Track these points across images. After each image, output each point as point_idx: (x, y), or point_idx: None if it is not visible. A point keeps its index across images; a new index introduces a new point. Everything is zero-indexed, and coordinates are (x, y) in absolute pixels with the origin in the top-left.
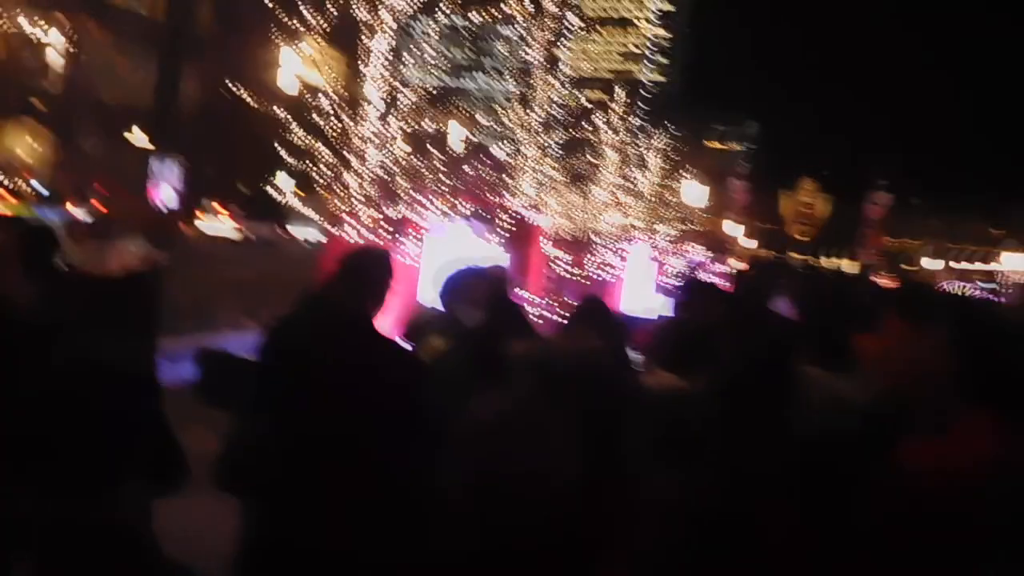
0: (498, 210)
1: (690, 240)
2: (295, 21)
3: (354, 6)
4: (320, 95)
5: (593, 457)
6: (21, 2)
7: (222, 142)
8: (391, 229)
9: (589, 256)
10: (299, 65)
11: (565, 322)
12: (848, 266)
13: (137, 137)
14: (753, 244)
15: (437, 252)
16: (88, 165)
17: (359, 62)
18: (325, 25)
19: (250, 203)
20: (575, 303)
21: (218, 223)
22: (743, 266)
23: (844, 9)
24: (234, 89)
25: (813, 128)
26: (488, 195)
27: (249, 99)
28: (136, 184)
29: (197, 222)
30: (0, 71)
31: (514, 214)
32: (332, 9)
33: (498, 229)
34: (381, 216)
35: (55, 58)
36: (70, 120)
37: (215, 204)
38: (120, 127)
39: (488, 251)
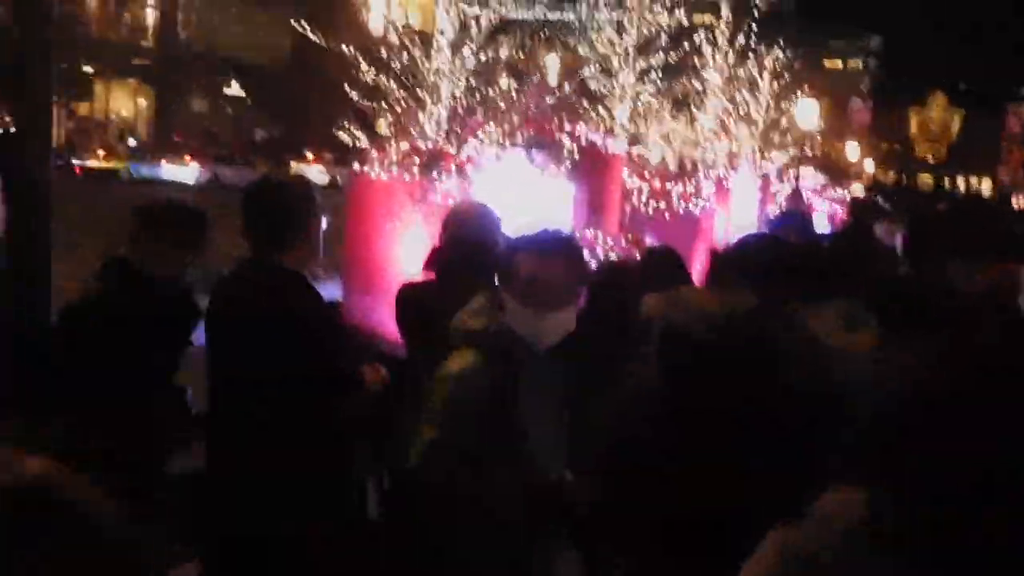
0: (567, 138)
1: (804, 165)
2: None
3: None
4: (407, 36)
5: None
6: None
7: (315, 91)
8: (436, 164)
9: (683, 188)
10: (389, 6)
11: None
12: (987, 187)
13: (235, 90)
14: (877, 167)
15: (488, 190)
16: (188, 120)
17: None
18: None
19: (341, 149)
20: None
21: (312, 170)
22: (860, 192)
23: None
24: (323, 38)
25: (945, 37)
26: (565, 124)
27: (339, 47)
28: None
29: (290, 171)
30: (103, 32)
31: (587, 141)
32: None
33: (566, 159)
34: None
35: (154, 16)
36: (170, 77)
37: (308, 153)
38: (219, 81)
39: (552, 185)
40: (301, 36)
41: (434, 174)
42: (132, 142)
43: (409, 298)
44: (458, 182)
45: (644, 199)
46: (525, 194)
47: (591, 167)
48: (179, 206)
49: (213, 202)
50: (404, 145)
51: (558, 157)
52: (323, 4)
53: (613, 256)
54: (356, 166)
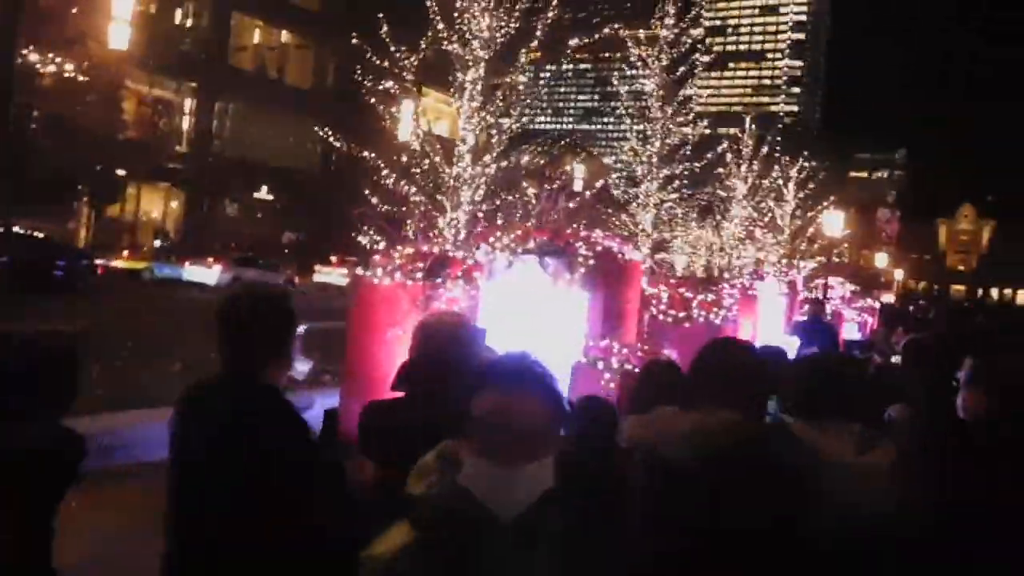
0: (582, 244)
1: (832, 274)
2: (413, 77)
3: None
4: (429, 144)
5: None
6: (154, 71)
7: (341, 196)
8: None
9: (705, 296)
10: (416, 120)
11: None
12: (1021, 297)
13: (265, 195)
14: (907, 277)
15: (496, 298)
16: (217, 223)
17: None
18: (441, 79)
19: (364, 254)
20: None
21: (334, 274)
22: (890, 299)
23: (1004, 20)
24: (354, 147)
25: (972, 151)
26: (581, 230)
27: (368, 155)
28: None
29: (315, 274)
30: (136, 137)
31: (603, 248)
32: (449, 63)
33: (580, 266)
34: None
35: (187, 123)
36: (201, 181)
37: (333, 257)
38: (249, 186)
39: (562, 295)
40: (330, 143)
41: (439, 280)
42: (157, 243)
43: (373, 420)
44: (464, 288)
45: (664, 308)
46: (536, 302)
47: (608, 274)
48: (33, 351)
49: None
50: (409, 250)
51: (572, 264)
52: (353, 113)
53: (628, 367)
54: (360, 270)
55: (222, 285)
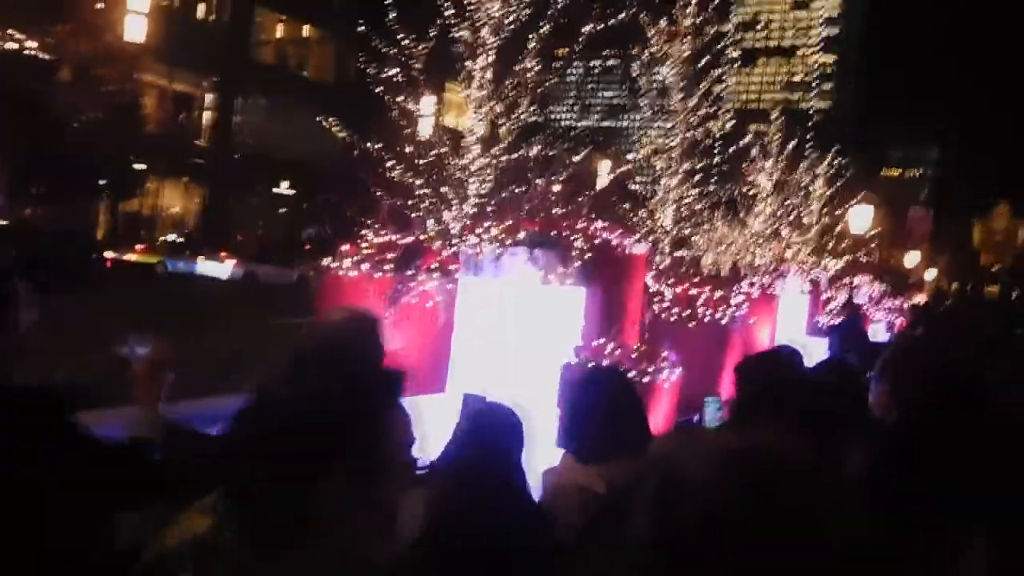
0: (579, 236)
1: (859, 273)
2: (423, 67)
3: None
4: (442, 140)
5: None
6: (175, 65)
7: (357, 190)
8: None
9: (717, 295)
10: (435, 112)
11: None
12: None
13: (285, 190)
14: (940, 277)
15: (478, 291)
16: (236, 217)
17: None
18: (462, 73)
19: (333, 244)
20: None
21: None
22: (922, 299)
23: None
24: (359, 140)
25: (1006, 147)
26: (579, 222)
27: (379, 148)
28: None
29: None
30: (158, 132)
31: (601, 240)
32: (467, 57)
33: (575, 260)
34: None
35: (208, 117)
36: (221, 176)
37: (350, 248)
38: (270, 181)
39: (554, 291)
40: (350, 136)
41: (409, 272)
42: (171, 237)
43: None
44: (440, 282)
45: (667, 306)
46: (525, 299)
47: (606, 269)
48: None
49: (235, 296)
50: (378, 239)
51: (565, 257)
52: (374, 108)
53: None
54: (326, 261)
55: (235, 280)
